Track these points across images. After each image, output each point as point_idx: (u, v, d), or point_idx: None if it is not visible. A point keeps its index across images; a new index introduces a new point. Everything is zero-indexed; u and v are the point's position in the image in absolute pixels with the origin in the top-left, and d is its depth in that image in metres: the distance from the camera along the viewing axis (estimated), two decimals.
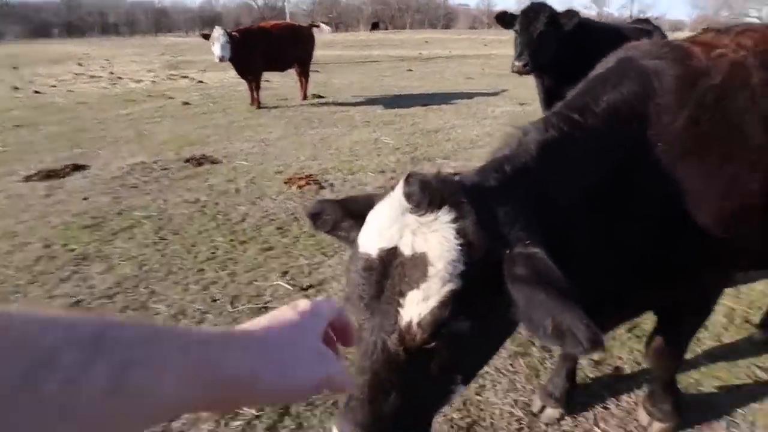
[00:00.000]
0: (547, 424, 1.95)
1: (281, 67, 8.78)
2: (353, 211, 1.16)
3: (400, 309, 0.93)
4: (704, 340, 2.40)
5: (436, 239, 0.92)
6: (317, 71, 12.40)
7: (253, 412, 1.97)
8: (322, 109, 8.24)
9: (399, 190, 0.99)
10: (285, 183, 4.55)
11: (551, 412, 1.97)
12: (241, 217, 3.83)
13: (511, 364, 2.22)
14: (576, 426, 1.95)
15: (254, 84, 8.23)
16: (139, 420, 0.36)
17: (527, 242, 0.97)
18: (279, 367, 0.47)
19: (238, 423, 1.93)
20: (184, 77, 12.63)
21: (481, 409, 1.97)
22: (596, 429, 1.94)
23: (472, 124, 7.09)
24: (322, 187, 4.46)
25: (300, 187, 4.43)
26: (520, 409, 2.00)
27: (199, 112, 7.94)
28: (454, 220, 0.94)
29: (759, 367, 2.28)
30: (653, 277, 1.40)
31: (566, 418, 1.97)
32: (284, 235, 3.52)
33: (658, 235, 1.35)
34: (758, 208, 1.39)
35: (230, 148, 5.77)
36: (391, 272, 0.95)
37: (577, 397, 2.01)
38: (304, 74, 9.04)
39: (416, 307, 0.91)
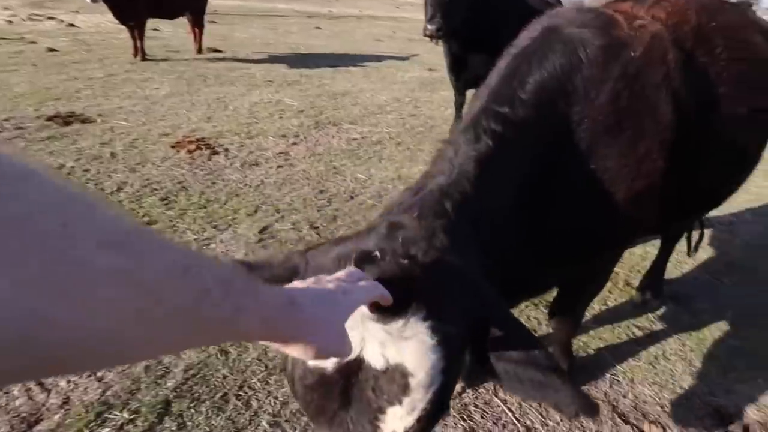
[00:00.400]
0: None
1: (169, 14, 7.82)
2: (270, 280, 0.97)
3: (379, 423, 0.81)
4: (593, 303, 2.56)
5: (411, 348, 0.79)
6: (214, 22, 11.33)
7: (125, 415, 1.72)
8: (219, 64, 7.54)
9: None
10: (172, 147, 4.08)
11: None
12: (117, 186, 3.36)
13: None
14: (476, 398, 1.97)
15: (137, 32, 7.25)
16: (229, 337, 0.57)
17: (499, 309, 0.90)
18: (325, 336, 0.62)
19: (106, 431, 1.67)
20: (51, 18, 10.83)
21: None
22: (495, 399, 1.98)
23: (380, 88, 6.93)
24: (215, 152, 4.06)
25: (190, 151, 4.00)
26: None
27: (69, 61, 6.84)
28: (426, 318, 0.80)
29: (637, 327, 2.49)
30: (572, 258, 1.39)
31: (467, 390, 1.99)
32: (169, 207, 3.15)
33: (581, 216, 1.32)
34: (661, 187, 1.42)
35: (106, 106, 5.04)
36: (358, 384, 0.81)
37: (477, 368, 2.03)
38: (197, 24, 8.15)
39: (400, 421, 0.80)
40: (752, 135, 1.88)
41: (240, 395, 1.85)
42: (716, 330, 2.52)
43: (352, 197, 3.52)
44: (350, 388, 0.82)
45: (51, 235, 0.30)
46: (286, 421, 1.77)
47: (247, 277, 0.54)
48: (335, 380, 0.82)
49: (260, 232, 2.94)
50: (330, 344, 0.62)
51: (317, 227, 3.07)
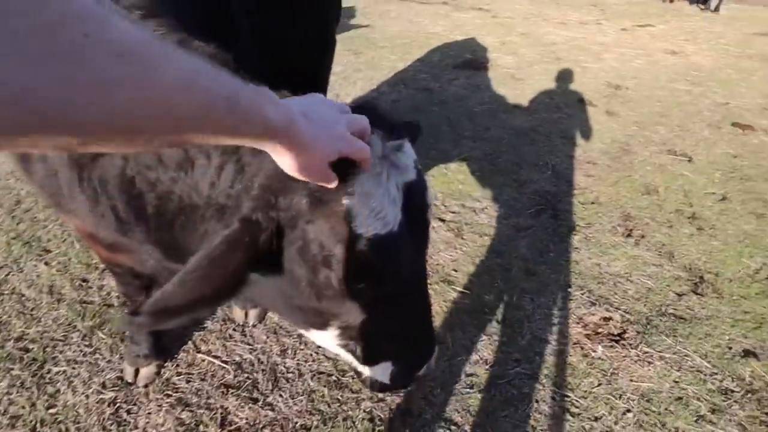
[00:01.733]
0: (147, 385, 1.89)
1: None
2: None
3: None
4: None
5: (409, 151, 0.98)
6: None
7: None
8: None
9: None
10: None
11: (147, 370, 1.90)
12: None
13: (87, 345, 1.98)
14: (177, 366, 1.96)
15: None
16: (233, 141, 0.62)
17: None
18: (316, 154, 0.71)
19: None
20: None
21: (60, 422, 1.73)
22: (198, 355, 1.99)
23: None
24: None
25: None
26: (110, 389, 1.85)
27: None
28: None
29: None
30: None
31: (165, 365, 1.95)
32: None
33: None
34: None
35: None
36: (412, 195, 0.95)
37: (166, 341, 1.98)
38: None
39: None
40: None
41: None
42: None
43: None
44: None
45: (75, 43, 0.37)
46: None
47: (254, 94, 0.59)
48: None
49: None
50: (322, 159, 0.71)
51: None
